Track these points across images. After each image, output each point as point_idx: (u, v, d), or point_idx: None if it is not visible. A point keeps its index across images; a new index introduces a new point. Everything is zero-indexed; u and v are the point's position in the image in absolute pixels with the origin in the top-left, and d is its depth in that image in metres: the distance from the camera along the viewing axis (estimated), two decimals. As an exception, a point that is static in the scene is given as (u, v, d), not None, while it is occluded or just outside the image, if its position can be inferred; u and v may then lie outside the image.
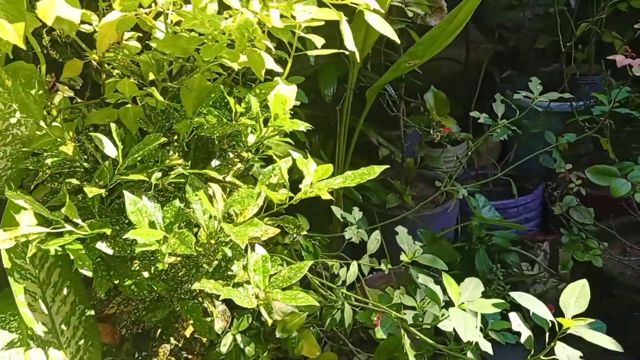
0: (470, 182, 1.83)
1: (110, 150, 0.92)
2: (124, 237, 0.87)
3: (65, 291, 1.09)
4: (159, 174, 0.98)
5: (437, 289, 1.06)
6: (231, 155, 1.18)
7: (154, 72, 1.05)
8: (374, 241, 1.22)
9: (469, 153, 1.63)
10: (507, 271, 1.65)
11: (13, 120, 1.08)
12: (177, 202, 0.92)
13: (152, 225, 0.90)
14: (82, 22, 1.01)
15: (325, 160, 1.75)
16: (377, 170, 0.98)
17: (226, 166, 1.16)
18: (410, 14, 1.44)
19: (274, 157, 1.16)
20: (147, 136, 0.97)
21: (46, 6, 0.92)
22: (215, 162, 1.16)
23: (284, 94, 1.11)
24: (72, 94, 1.11)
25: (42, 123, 0.99)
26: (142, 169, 0.98)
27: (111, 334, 1.22)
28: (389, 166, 1.00)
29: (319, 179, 0.96)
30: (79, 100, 1.12)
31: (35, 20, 0.94)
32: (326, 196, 0.93)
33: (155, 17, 1.05)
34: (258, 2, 0.99)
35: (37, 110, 0.98)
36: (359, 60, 1.42)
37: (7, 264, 0.93)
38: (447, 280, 0.95)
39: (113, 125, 0.93)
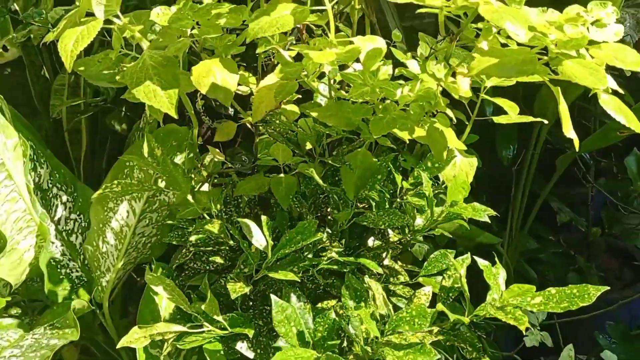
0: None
1: (258, 240, 0.79)
2: None
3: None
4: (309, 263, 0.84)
5: None
6: (390, 233, 1.01)
7: (312, 142, 0.90)
8: (567, 358, 0.98)
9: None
10: None
11: (162, 184, 1.00)
12: (332, 315, 0.76)
13: (300, 336, 0.75)
14: (238, 83, 0.90)
15: (492, 226, 1.52)
16: (592, 294, 0.75)
17: (385, 248, 0.99)
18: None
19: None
20: (301, 224, 0.83)
21: (202, 72, 0.81)
22: (371, 241, 0.99)
23: (464, 171, 0.92)
24: (222, 157, 1.01)
25: (189, 197, 0.89)
26: (292, 260, 0.84)
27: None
28: (608, 288, 0.77)
29: (511, 296, 0.76)
30: (229, 164, 1.01)
31: (190, 84, 0.83)
32: (519, 325, 0.72)
33: (320, 77, 0.91)
34: (443, 67, 0.82)
35: (184, 183, 0.87)
36: (548, 122, 1.18)
37: (140, 356, 0.84)
38: None
39: (264, 218, 0.80)
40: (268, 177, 0.97)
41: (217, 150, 1.00)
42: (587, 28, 0.64)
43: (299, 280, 0.79)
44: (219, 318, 0.81)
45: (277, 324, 0.74)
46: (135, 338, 0.77)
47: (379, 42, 0.83)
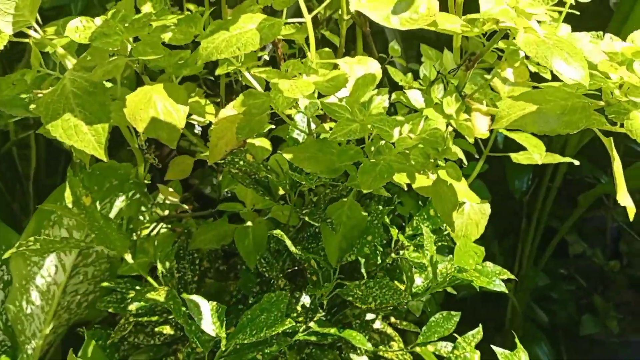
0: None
1: (207, 326, 0.60)
2: None
3: None
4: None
5: None
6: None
7: (284, 189, 0.72)
8: None
9: None
10: None
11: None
12: None
13: None
14: (191, 113, 0.71)
15: (498, 258, 1.34)
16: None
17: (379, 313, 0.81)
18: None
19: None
20: (266, 297, 0.64)
21: (139, 102, 0.62)
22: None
23: (474, 221, 0.75)
24: (177, 199, 0.82)
25: (127, 257, 0.70)
26: (256, 343, 0.65)
27: None
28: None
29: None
30: (185, 208, 0.82)
31: (125, 119, 0.64)
32: None
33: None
34: (454, 99, 0.63)
35: (119, 240, 0.68)
36: (570, 154, 1.00)
37: None
38: None
39: (212, 305, 0.60)
40: (233, 224, 0.78)
41: (169, 189, 0.81)
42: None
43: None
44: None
45: None
46: None
47: (372, 67, 0.65)
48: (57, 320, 0.79)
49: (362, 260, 0.74)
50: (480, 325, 0.78)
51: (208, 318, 0.60)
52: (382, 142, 0.64)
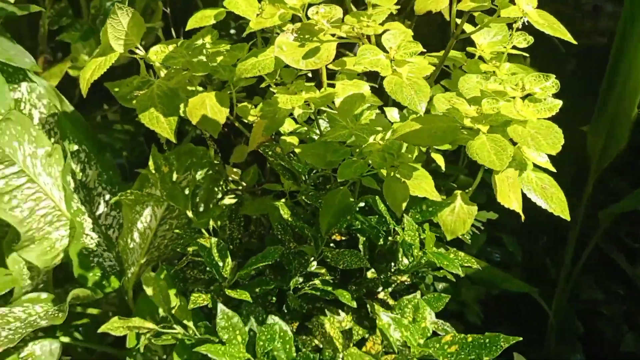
0: None
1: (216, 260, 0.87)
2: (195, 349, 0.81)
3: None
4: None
5: None
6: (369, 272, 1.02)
7: (302, 175, 0.96)
8: None
9: None
10: None
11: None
12: (277, 324, 0.82)
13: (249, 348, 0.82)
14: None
15: (550, 266, 1.44)
16: (500, 347, 0.72)
17: (379, 282, 1.02)
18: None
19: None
20: (268, 249, 0.89)
21: (196, 104, 0.90)
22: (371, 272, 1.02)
23: (462, 219, 0.91)
24: (237, 177, 1.09)
25: (189, 213, 0.99)
26: (258, 282, 0.91)
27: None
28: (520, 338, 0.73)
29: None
30: (243, 184, 1.09)
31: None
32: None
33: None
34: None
35: (182, 200, 0.97)
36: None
37: (130, 342, 0.96)
38: None
39: (213, 241, 0.87)
40: (272, 200, 1.04)
41: (234, 169, 1.09)
42: (520, 101, 0.63)
43: (251, 301, 0.85)
44: (189, 323, 0.90)
45: (220, 329, 0.81)
46: (115, 327, 0.89)
47: (363, 88, 0.86)
48: (149, 255, 1.11)
49: (362, 239, 0.96)
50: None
51: (214, 252, 0.86)
52: (364, 145, 0.86)
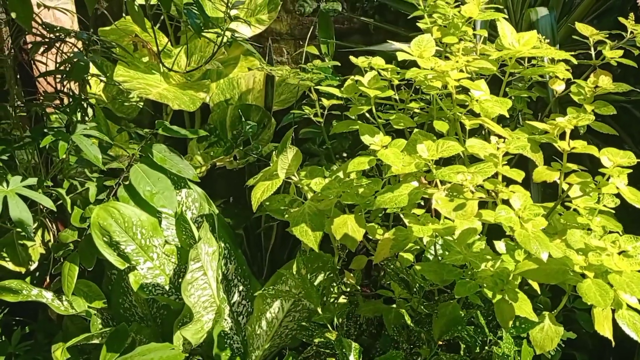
0: None
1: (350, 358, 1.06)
2: None
3: None
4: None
5: None
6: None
7: (414, 287, 1.16)
8: None
9: None
10: None
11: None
12: None
13: None
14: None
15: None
16: None
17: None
18: None
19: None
20: (390, 353, 1.08)
21: (340, 223, 1.13)
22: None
23: (550, 338, 1.09)
24: (354, 281, 1.31)
25: (319, 309, 1.20)
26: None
27: None
28: None
29: None
30: (358, 289, 1.30)
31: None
32: None
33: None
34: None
35: (315, 298, 1.19)
36: None
37: None
38: None
39: (355, 346, 1.07)
40: (384, 305, 1.24)
41: (351, 274, 1.31)
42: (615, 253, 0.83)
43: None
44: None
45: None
46: None
47: (474, 223, 1.08)
48: (272, 342, 1.31)
49: (463, 346, 1.15)
50: None
51: (352, 354, 1.06)
52: (476, 270, 1.07)
